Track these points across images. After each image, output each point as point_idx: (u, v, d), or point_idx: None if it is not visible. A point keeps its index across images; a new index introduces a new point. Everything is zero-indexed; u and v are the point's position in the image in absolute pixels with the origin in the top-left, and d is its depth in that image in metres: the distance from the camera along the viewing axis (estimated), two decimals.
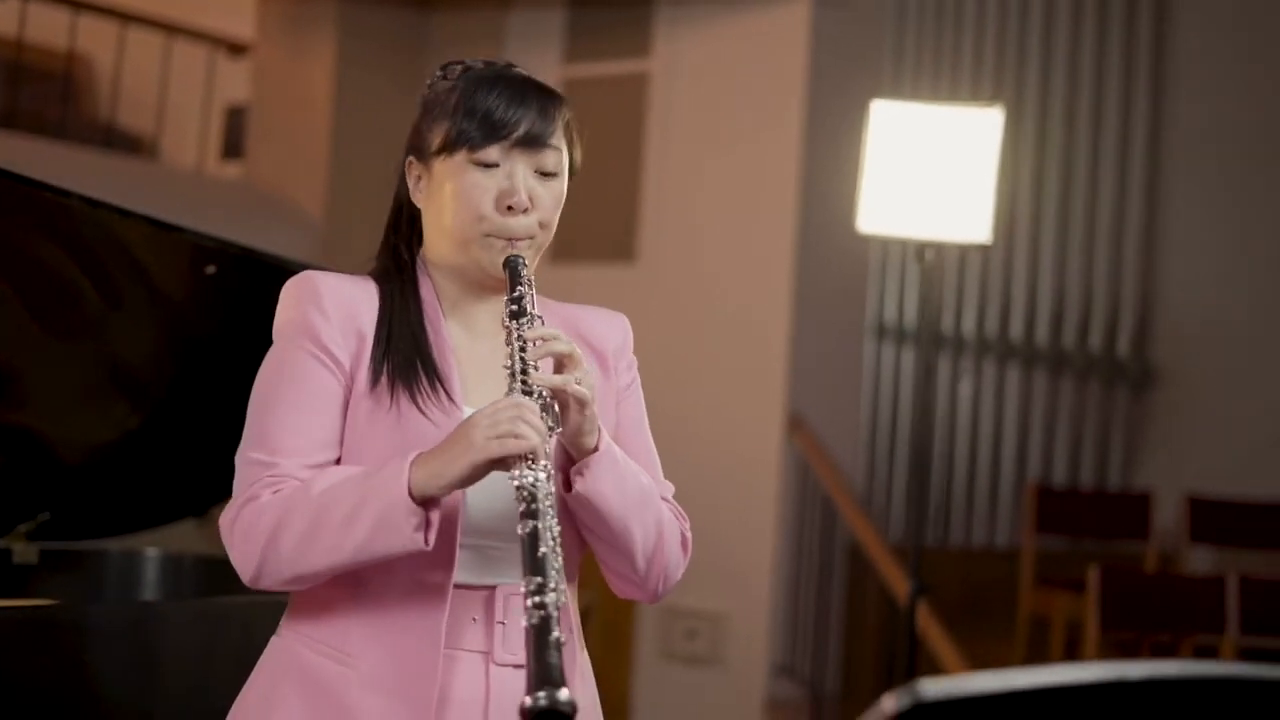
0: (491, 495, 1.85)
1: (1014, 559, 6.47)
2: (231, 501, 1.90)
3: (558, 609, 1.66)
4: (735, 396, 6.20)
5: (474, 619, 1.89)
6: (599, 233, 6.56)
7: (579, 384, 1.84)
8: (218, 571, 3.49)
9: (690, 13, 6.43)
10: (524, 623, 1.66)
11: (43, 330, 3.02)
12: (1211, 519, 6.45)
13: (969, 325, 6.87)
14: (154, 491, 3.56)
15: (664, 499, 2.00)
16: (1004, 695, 1.24)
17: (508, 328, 1.87)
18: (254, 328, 2.12)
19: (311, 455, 1.87)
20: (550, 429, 1.80)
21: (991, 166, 3.94)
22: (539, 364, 1.84)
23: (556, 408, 1.83)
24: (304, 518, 1.81)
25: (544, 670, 1.60)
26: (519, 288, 1.89)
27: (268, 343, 1.98)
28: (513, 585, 1.86)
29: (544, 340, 1.85)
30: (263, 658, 1.99)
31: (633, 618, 6.27)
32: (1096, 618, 4.90)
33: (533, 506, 1.73)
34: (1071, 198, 7.07)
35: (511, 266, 1.91)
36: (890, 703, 1.21)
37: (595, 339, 2.04)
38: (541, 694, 1.58)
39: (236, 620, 2.89)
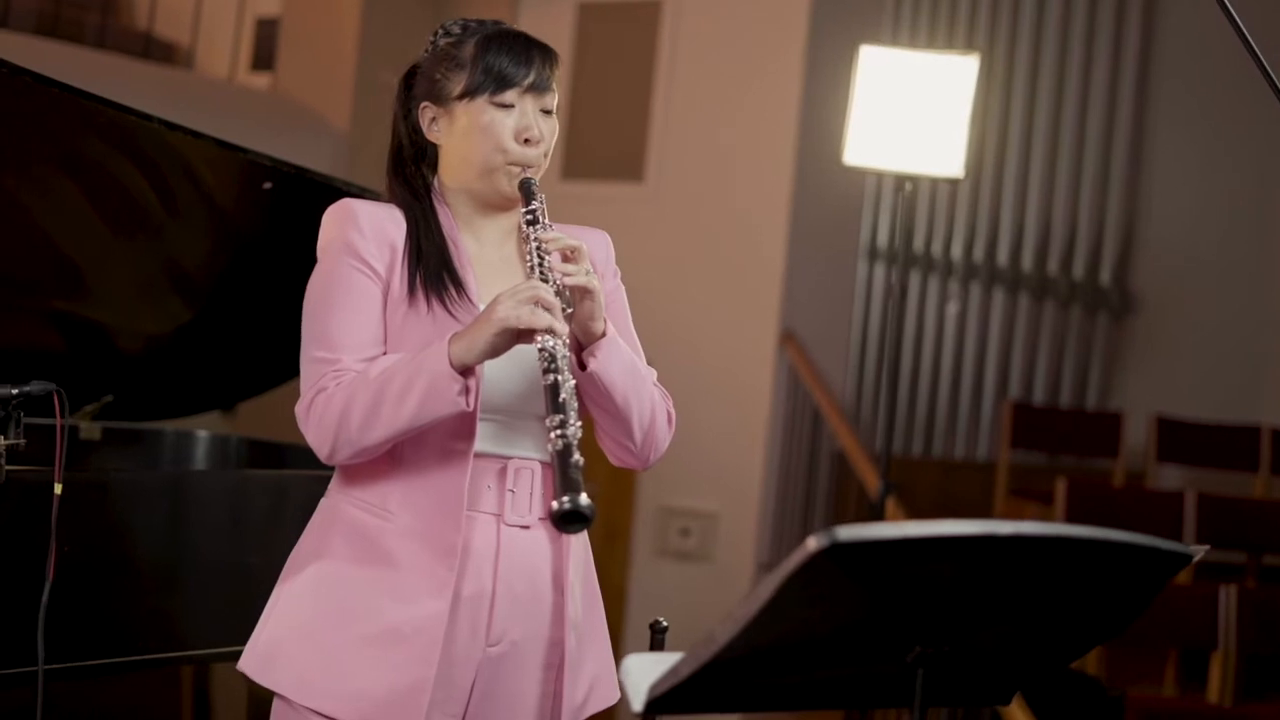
0: (508, 376, 2.24)
1: (992, 471, 6.79)
2: (303, 394, 2.26)
3: (576, 438, 2.04)
4: (733, 310, 6.53)
5: (489, 486, 2.27)
6: (610, 153, 6.87)
7: (586, 275, 2.22)
8: (258, 450, 3.89)
9: None
10: (549, 449, 2.05)
11: (111, 234, 3.38)
12: (1178, 439, 6.73)
13: (958, 251, 7.10)
14: (196, 382, 3.93)
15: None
16: (902, 540, 1.60)
17: (525, 234, 2.26)
18: (299, 237, 2.47)
19: (364, 350, 2.25)
20: (563, 308, 2.17)
21: (965, 109, 4.28)
22: (551, 264, 2.21)
23: (568, 292, 2.21)
24: (365, 397, 2.18)
25: (567, 481, 2.00)
26: (533, 203, 2.28)
27: (310, 250, 2.34)
28: (522, 460, 2.28)
29: (554, 240, 2.23)
30: (315, 515, 2.37)
31: (631, 515, 6.63)
32: None
33: (553, 364, 2.11)
34: (1061, 132, 7.26)
35: (525, 186, 2.30)
36: (814, 542, 1.57)
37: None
38: (566, 498, 1.98)
39: (266, 489, 3.26)
